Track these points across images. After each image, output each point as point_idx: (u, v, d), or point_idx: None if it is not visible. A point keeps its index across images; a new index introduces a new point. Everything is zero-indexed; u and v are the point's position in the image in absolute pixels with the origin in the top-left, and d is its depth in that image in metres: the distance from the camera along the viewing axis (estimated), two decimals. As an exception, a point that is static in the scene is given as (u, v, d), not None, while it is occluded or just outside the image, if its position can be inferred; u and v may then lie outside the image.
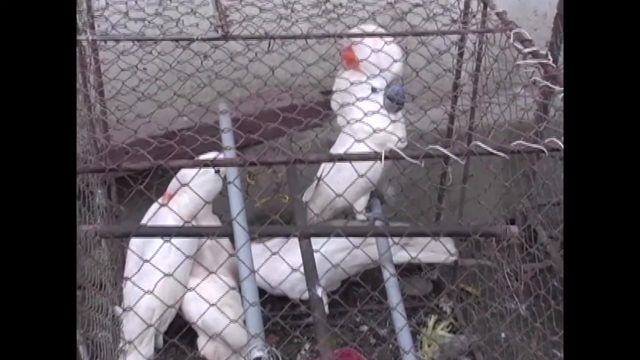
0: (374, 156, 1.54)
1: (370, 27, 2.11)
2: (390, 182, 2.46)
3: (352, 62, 2.17)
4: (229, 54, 2.02)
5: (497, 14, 2.09)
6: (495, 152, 1.53)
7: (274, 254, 1.73)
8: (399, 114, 2.17)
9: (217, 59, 2.07)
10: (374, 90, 2.12)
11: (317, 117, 1.90)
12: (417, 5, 2.22)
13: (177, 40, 1.95)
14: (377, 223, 2.28)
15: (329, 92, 2.26)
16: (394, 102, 2.14)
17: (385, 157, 1.52)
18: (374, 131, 1.74)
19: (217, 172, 2.17)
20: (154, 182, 2.13)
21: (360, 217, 2.31)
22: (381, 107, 1.99)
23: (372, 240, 2.13)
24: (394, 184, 2.45)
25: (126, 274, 2.16)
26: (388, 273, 2.04)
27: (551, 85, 1.74)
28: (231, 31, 1.98)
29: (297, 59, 2.04)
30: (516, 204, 2.31)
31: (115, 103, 2.06)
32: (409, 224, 2.24)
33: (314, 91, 2.25)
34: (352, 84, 2.01)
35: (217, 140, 1.98)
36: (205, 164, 1.53)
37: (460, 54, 2.28)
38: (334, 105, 2.22)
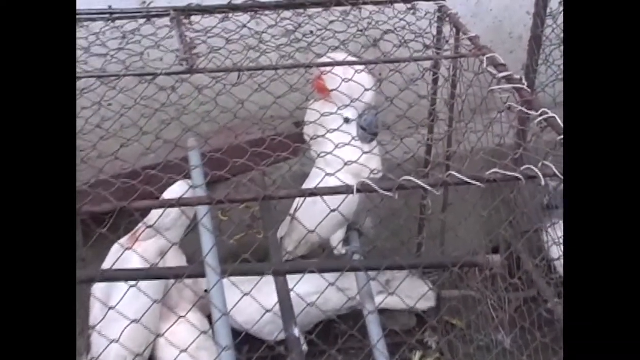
0: (345, 190, 1.53)
1: (340, 56, 2.12)
2: (368, 214, 2.45)
3: (323, 92, 2.18)
4: (195, 87, 2.01)
5: (470, 38, 2.10)
6: (471, 181, 1.54)
7: (245, 294, 1.70)
8: (373, 143, 2.17)
9: (183, 94, 2.06)
10: (346, 120, 2.12)
11: (287, 151, 1.89)
12: (388, 31, 2.24)
13: (140, 75, 1.94)
14: (356, 257, 2.27)
15: (302, 123, 2.26)
16: (367, 132, 2.15)
17: (358, 190, 1.51)
18: (346, 163, 1.74)
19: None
20: (122, 222, 2.10)
21: (338, 251, 2.30)
22: (354, 138, 1.98)
23: (350, 282, 2.11)
24: (372, 216, 2.44)
25: (92, 321, 2.12)
26: (367, 309, 2.02)
27: (526, 111, 1.75)
28: (197, 64, 1.98)
29: (267, 91, 2.03)
30: (499, 231, 2.31)
31: (78, 142, 2.04)
32: (388, 258, 2.23)
33: (286, 123, 2.25)
34: (322, 115, 2.01)
35: (184, 180, 1.97)
36: (171, 205, 1.52)
37: (435, 81, 2.29)
38: (306, 138, 2.23)
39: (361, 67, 2.07)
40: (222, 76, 2.00)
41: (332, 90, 2.11)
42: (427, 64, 2.21)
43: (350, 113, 2.11)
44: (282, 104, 2.05)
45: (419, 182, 1.53)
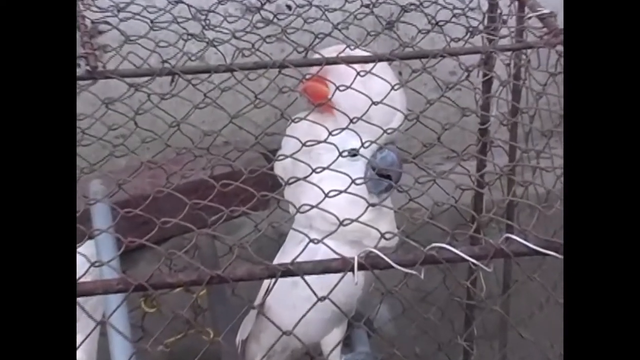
0: (341, 266, 1.55)
1: (338, 48, 2.12)
2: (383, 298, 2.43)
3: (319, 98, 2.15)
4: (101, 100, 2.03)
5: (541, 17, 2.12)
6: (543, 250, 1.57)
7: None
8: (384, 194, 2.18)
9: (81, 112, 2.05)
10: (352, 153, 2.11)
11: (250, 201, 1.88)
12: (409, 7, 2.25)
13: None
14: (363, 369, 2.29)
15: (274, 156, 2.24)
16: (384, 177, 2.15)
17: (361, 267, 1.53)
18: (342, 223, 1.72)
19: None
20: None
21: (335, 362, 2.31)
22: (354, 181, 1.95)
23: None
24: (389, 301, 2.43)
25: None
26: None
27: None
28: (104, 63, 2.02)
29: (218, 104, 2.06)
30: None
31: None
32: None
33: (248, 155, 2.23)
34: (304, 144, 1.98)
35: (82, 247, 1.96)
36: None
37: (486, 85, 2.29)
38: (280, 180, 2.20)
39: (384, 65, 2.08)
40: (145, 82, 2.03)
41: (325, 101, 2.10)
42: (474, 58, 2.22)
43: (359, 142, 2.06)
44: (242, 125, 2.07)
45: (458, 252, 1.55)
